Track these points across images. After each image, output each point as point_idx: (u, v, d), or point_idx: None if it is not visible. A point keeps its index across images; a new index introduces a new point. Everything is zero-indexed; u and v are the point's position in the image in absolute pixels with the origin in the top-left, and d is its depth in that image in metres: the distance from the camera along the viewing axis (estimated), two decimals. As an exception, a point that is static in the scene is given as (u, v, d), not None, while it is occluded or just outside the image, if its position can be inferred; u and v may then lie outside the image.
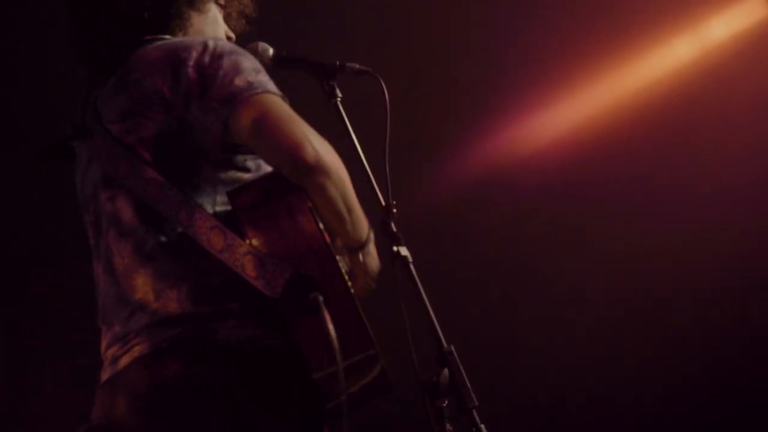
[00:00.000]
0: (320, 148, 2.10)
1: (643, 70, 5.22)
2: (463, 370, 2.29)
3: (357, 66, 2.62)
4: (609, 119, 5.24)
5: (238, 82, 2.13)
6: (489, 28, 4.97)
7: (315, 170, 2.09)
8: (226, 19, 2.57)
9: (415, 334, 2.38)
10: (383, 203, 2.48)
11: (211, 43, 2.22)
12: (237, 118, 2.11)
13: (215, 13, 2.51)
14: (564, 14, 5.01)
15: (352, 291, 2.15)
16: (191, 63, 2.16)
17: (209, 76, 2.15)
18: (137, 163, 2.16)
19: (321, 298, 2.04)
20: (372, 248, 2.37)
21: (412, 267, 2.41)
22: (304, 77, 2.61)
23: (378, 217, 2.46)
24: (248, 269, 2.06)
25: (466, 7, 4.94)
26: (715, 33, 5.16)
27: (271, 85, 2.17)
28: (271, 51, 2.61)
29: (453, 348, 2.32)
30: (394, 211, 2.47)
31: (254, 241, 2.09)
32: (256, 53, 2.58)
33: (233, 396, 2.06)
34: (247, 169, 2.21)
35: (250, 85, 2.13)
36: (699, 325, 5.14)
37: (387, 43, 4.81)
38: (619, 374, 5.17)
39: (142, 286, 2.15)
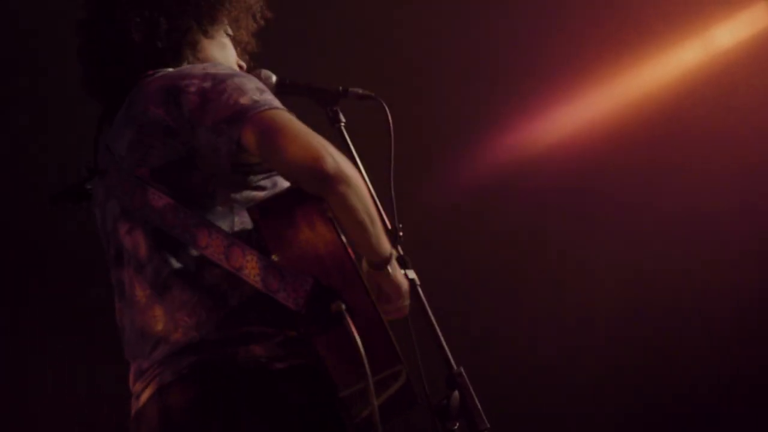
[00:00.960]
0: (339, 158, 2.09)
1: (648, 76, 5.22)
2: (473, 392, 2.29)
3: (360, 91, 2.62)
4: (614, 124, 5.24)
5: (244, 101, 2.12)
6: (492, 34, 4.98)
7: (336, 179, 2.06)
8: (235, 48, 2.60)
9: (424, 357, 2.39)
10: (389, 227, 2.48)
11: (211, 69, 2.23)
12: (249, 136, 2.10)
13: (225, 41, 2.53)
14: (568, 20, 5.01)
15: (377, 304, 2.10)
16: (193, 89, 2.17)
17: (212, 100, 2.15)
18: (151, 193, 2.17)
19: (344, 307, 2.01)
20: (396, 265, 2.33)
21: (420, 290, 2.43)
22: (308, 103, 2.62)
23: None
24: (269, 283, 2.03)
25: (466, 13, 4.95)
26: (720, 40, 5.16)
27: (277, 102, 2.17)
28: (274, 78, 2.62)
29: (463, 370, 2.32)
30: (401, 234, 2.48)
31: (275, 255, 2.06)
32: (259, 80, 2.59)
33: (256, 420, 2.04)
34: (262, 188, 2.21)
35: (256, 103, 2.12)
36: (707, 334, 5.13)
37: (387, 49, 4.84)
38: (630, 391, 5.16)
39: (162, 317, 2.15)
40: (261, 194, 2.20)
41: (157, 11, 2.39)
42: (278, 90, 2.60)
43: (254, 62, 2.61)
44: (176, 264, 2.14)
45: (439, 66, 5.01)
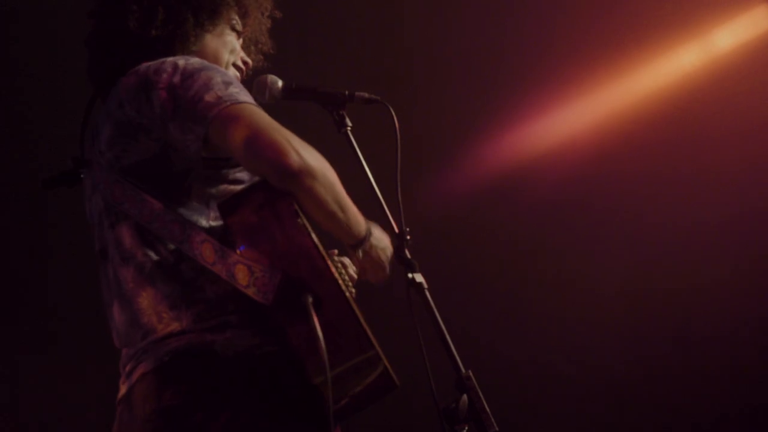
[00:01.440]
0: (303, 152, 2.08)
1: (649, 79, 5.22)
2: (482, 395, 2.29)
3: (366, 95, 2.62)
4: (614, 128, 5.23)
5: (209, 98, 2.13)
6: (490, 39, 4.99)
7: (301, 174, 2.07)
8: (244, 48, 2.61)
9: (432, 360, 2.39)
10: (396, 230, 2.49)
11: (181, 63, 2.24)
12: (214, 134, 2.12)
13: (230, 39, 2.54)
14: (568, 23, 5.03)
15: (347, 294, 2.14)
16: (162, 85, 2.19)
17: (180, 97, 2.16)
18: (130, 188, 2.21)
19: (310, 299, 2.05)
20: (376, 239, 2.38)
21: (427, 293, 2.42)
22: (314, 108, 2.63)
23: (392, 244, 2.47)
24: (239, 278, 2.09)
25: (467, 19, 4.96)
26: (720, 43, 5.16)
27: (243, 96, 2.17)
28: (280, 83, 2.62)
29: (471, 373, 2.32)
30: (408, 237, 2.48)
31: (245, 250, 2.11)
32: (265, 85, 2.60)
33: (235, 406, 2.08)
34: (238, 182, 2.24)
35: (220, 99, 2.12)
36: (712, 337, 5.13)
37: (387, 52, 4.86)
38: (642, 397, 5.16)
39: (147, 308, 2.20)
40: (238, 187, 2.21)
41: (155, 1, 2.42)
42: (284, 95, 2.61)
43: (268, 62, 2.61)
44: (156, 257, 2.20)
45: (439, 69, 5.02)
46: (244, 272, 2.09)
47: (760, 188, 5.14)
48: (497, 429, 2.25)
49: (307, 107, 2.64)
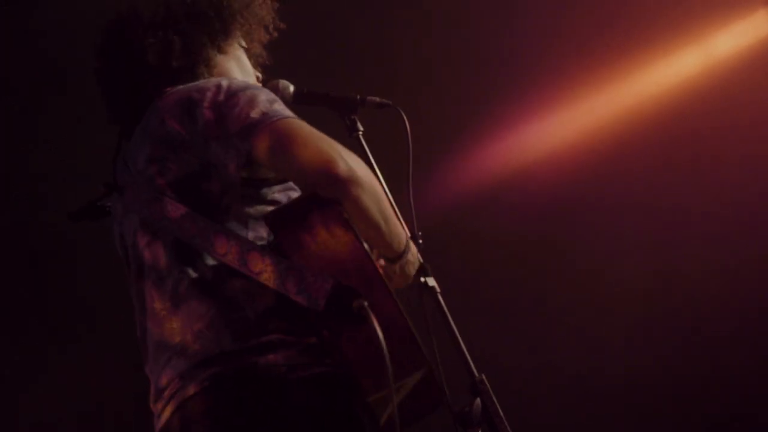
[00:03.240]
0: (351, 161, 2.10)
1: (649, 82, 5.24)
2: (495, 399, 2.30)
3: (377, 99, 2.63)
4: (615, 130, 5.24)
5: (254, 114, 2.13)
6: (491, 39, 4.99)
7: (349, 182, 2.07)
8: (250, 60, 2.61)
9: (445, 364, 2.39)
10: (409, 234, 2.49)
11: (224, 83, 2.23)
12: (258, 147, 2.11)
13: (240, 55, 2.54)
14: (568, 26, 5.03)
15: (399, 303, 2.10)
16: (206, 104, 2.18)
17: (225, 115, 2.15)
18: (168, 204, 2.17)
19: (366, 303, 1.99)
20: (412, 254, 2.36)
21: (440, 297, 2.43)
22: (326, 112, 2.63)
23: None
24: (289, 286, 2.03)
25: (464, 21, 4.97)
26: (720, 47, 5.18)
27: (288, 112, 2.17)
28: (291, 88, 2.63)
29: (484, 377, 2.33)
30: (420, 241, 2.49)
31: (293, 258, 2.06)
32: (276, 90, 2.60)
33: (282, 422, 2.02)
34: (276, 202, 2.21)
35: (266, 115, 2.13)
36: (728, 333, 5.14)
37: (387, 55, 4.86)
38: (656, 398, 5.16)
39: (180, 329, 2.14)
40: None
41: (170, 31, 2.41)
42: (296, 100, 2.62)
43: (267, 74, 2.61)
44: (194, 275, 2.14)
45: (439, 69, 5.03)
46: (294, 280, 2.04)
47: (761, 189, 5.15)
48: (511, 433, 2.27)
49: (318, 111, 2.64)
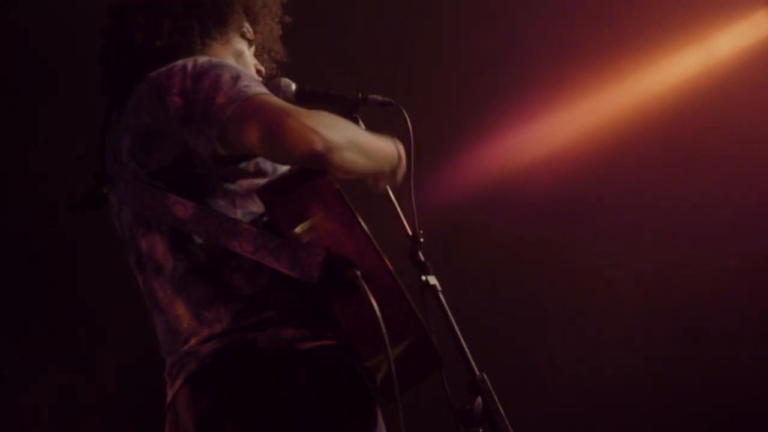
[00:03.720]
0: (321, 128, 2.06)
1: (648, 82, 5.24)
2: (496, 398, 2.30)
3: (379, 98, 2.62)
4: (614, 130, 5.25)
5: (219, 99, 2.12)
6: (492, 40, 5.00)
7: (328, 152, 2.06)
8: (256, 55, 2.60)
9: (446, 362, 2.38)
10: (410, 232, 2.49)
11: (190, 65, 2.22)
12: (230, 135, 2.11)
13: (240, 47, 2.53)
14: (568, 26, 5.04)
15: (392, 269, 2.12)
16: (175, 90, 2.18)
17: (192, 101, 2.16)
18: (158, 193, 2.19)
19: (358, 273, 2.03)
20: (403, 161, 2.41)
21: (441, 296, 2.42)
22: (328, 110, 2.62)
23: (405, 246, 2.47)
24: (282, 261, 2.06)
25: (465, 22, 4.97)
26: (721, 47, 5.18)
27: (253, 88, 2.14)
28: (293, 86, 2.62)
29: (486, 376, 2.33)
30: (421, 240, 2.48)
31: (287, 233, 2.08)
32: (278, 89, 2.60)
33: (282, 404, 2.06)
34: (263, 172, 2.23)
35: (230, 100, 2.11)
36: (729, 334, 5.14)
37: (386, 56, 4.86)
38: (658, 398, 5.16)
39: (185, 314, 2.18)
40: (262, 180, 2.21)
41: (161, 13, 2.42)
42: (298, 98, 2.60)
43: (280, 70, 2.61)
44: (190, 261, 2.18)
45: (439, 69, 5.03)
46: (287, 254, 2.06)
47: (761, 189, 5.15)
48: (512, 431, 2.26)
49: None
